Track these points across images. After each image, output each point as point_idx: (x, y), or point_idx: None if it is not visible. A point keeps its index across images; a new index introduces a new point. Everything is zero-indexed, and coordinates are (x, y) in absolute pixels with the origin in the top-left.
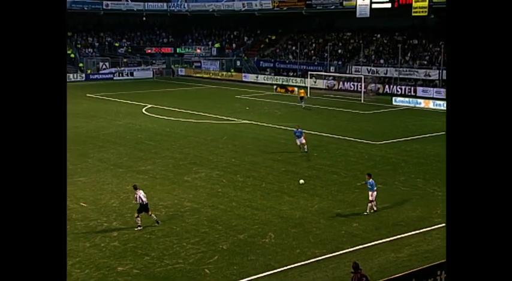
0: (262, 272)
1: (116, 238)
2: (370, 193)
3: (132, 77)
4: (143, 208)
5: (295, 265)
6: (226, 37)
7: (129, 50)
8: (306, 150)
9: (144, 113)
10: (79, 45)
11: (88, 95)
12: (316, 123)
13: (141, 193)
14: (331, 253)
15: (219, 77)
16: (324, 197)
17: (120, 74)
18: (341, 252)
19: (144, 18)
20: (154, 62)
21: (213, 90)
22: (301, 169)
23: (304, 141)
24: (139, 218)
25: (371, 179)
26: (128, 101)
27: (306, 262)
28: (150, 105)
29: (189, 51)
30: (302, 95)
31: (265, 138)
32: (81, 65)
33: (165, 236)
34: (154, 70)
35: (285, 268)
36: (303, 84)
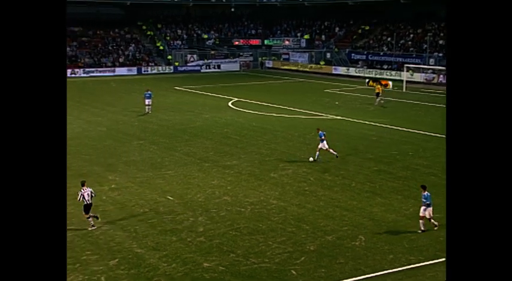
0: (351, 277)
1: (202, 234)
2: (423, 208)
3: (219, 70)
4: (86, 207)
5: (388, 271)
6: (316, 28)
7: (217, 42)
8: (336, 154)
9: (230, 106)
10: (168, 38)
11: (176, 87)
12: (411, 119)
13: (86, 191)
14: (428, 261)
15: (307, 70)
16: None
17: (207, 67)
18: (440, 260)
19: (232, 9)
20: (241, 54)
21: (301, 83)
22: (395, 169)
23: (327, 146)
24: (90, 218)
25: (426, 192)
26: (214, 94)
27: (400, 269)
28: (236, 99)
29: (277, 43)
30: (378, 90)
31: (356, 134)
32: (169, 57)
33: (251, 234)
34: (241, 63)
35: (377, 274)
36: (398, 78)
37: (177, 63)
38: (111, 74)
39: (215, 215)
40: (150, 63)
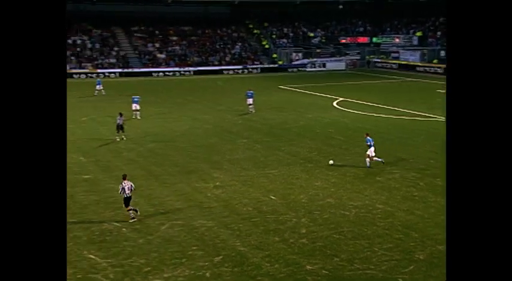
0: None
1: (305, 235)
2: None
3: (324, 69)
4: (126, 200)
5: None
6: (430, 24)
7: (323, 40)
8: (382, 160)
9: (335, 106)
10: (274, 36)
11: (280, 86)
12: None
13: (127, 185)
14: None
15: (419, 69)
16: None
17: (312, 65)
18: None
19: (340, 7)
20: (347, 52)
21: (411, 83)
22: None
23: (374, 153)
24: (131, 211)
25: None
26: (319, 94)
27: None
28: (341, 99)
29: (386, 40)
30: None
31: None
32: (274, 56)
33: (355, 239)
34: (347, 61)
35: None
36: None
37: (281, 62)
38: (217, 72)
39: (318, 217)
40: (255, 62)
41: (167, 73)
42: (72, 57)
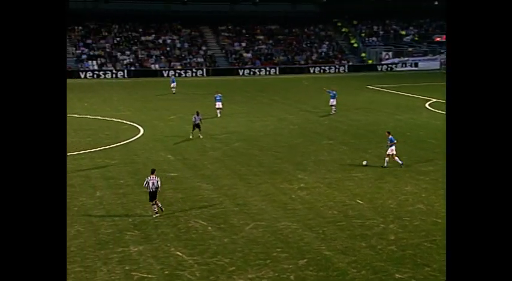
0: None
1: (393, 242)
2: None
3: (416, 68)
4: (151, 195)
5: None
6: None
7: (416, 38)
8: (401, 163)
9: (427, 108)
10: (363, 34)
11: (368, 86)
12: None
13: (152, 180)
14: None
15: None
16: None
17: (403, 65)
18: None
19: (435, 3)
20: (442, 51)
21: None
22: None
23: (394, 152)
24: (155, 206)
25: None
26: (410, 94)
27: None
28: (434, 100)
29: None
30: None
31: None
32: (363, 55)
33: None
34: (441, 60)
35: None
36: None
37: (370, 61)
38: (303, 72)
39: (408, 223)
40: (343, 61)
41: (253, 72)
42: (162, 57)
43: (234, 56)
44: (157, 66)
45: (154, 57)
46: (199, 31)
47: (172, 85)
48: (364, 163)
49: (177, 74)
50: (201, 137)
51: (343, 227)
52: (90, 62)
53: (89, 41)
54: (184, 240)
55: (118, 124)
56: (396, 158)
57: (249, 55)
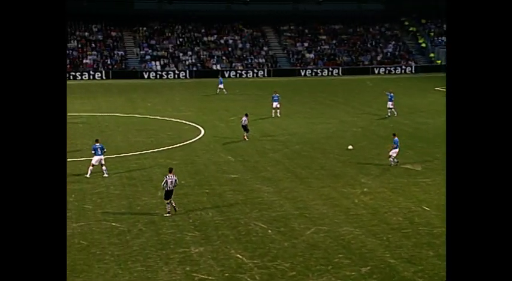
0: None
1: None
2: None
3: None
4: (167, 193)
5: None
6: None
7: None
8: (394, 161)
9: None
10: (432, 34)
11: (436, 88)
12: None
13: (171, 179)
14: None
15: None
16: None
17: None
18: None
19: None
20: None
21: None
22: None
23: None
24: (168, 205)
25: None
26: None
27: None
28: None
29: None
30: None
31: None
32: (432, 55)
33: None
34: None
35: None
36: None
37: (439, 62)
38: (367, 72)
39: None
40: (409, 62)
41: (315, 73)
42: (223, 57)
43: (296, 56)
44: (218, 66)
45: (215, 57)
46: (261, 31)
47: (219, 86)
48: (350, 147)
49: (238, 75)
50: (247, 139)
51: (409, 235)
52: (153, 62)
53: (153, 42)
54: (244, 243)
55: (179, 125)
56: (391, 158)
57: (312, 55)
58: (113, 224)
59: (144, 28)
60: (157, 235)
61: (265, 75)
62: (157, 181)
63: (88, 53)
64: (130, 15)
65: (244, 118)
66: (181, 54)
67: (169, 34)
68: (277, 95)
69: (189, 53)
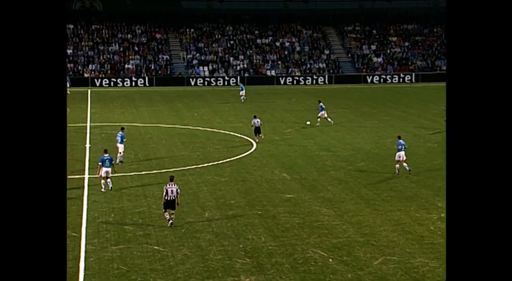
0: None
1: None
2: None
3: None
4: (167, 203)
5: None
6: None
7: None
8: (409, 170)
9: None
10: None
11: None
12: None
13: (171, 188)
14: None
15: None
16: None
17: None
18: None
19: None
20: None
21: None
22: None
23: (404, 158)
24: (166, 214)
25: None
26: None
27: None
28: None
29: None
30: None
31: None
32: None
33: None
34: None
35: None
36: None
37: None
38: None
39: None
40: None
41: (383, 79)
42: (279, 62)
43: (361, 60)
44: (273, 72)
45: (270, 62)
46: (322, 32)
47: (241, 93)
48: (308, 122)
49: (294, 81)
50: (256, 141)
51: None
52: (201, 67)
53: (201, 45)
54: (301, 272)
55: (229, 137)
56: (404, 164)
57: (380, 60)
58: (155, 247)
59: (192, 29)
60: (204, 261)
61: (326, 82)
62: (204, 200)
63: (130, 57)
64: (177, 15)
65: (255, 120)
66: (232, 58)
67: (219, 36)
68: (323, 104)
69: (241, 57)
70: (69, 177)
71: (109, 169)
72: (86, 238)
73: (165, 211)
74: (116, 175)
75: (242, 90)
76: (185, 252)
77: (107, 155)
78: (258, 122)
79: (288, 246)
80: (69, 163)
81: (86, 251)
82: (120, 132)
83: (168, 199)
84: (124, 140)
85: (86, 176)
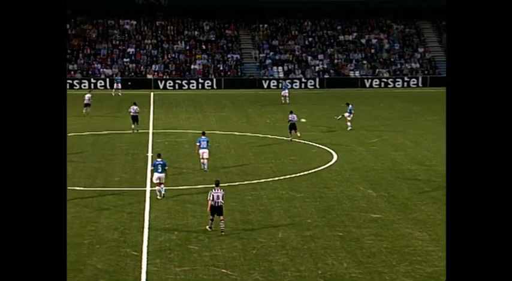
0: None
1: None
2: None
3: None
4: (214, 209)
5: None
6: None
7: None
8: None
9: None
10: None
11: None
12: None
13: (217, 193)
14: None
15: None
16: None
17: None
18: None
19: None
20: None
21: None
22: None
23: None
24: (212, 218)
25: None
26: None
27: None
28: None
29: None
30: None
31: None
32: None
33: None
34: None
35: None
36: None
37: None
38: None
39: None
40: None
41: None
42: (364, 62)
43: None
44: (357, 73)
45: (354, 62)
46: (415, 27)
47: (282, 93)
48: (303, 120)
49: (382, 84)
50: (290, 139)
51: None
52: (275, 68)
53: (275, 43)
54: None
55: (305, 147)
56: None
57: None
58: (223, 270)
59: (265, 25)
60: None
61: (420, 84)
62: (277, 218)
63: (197, 56)
64: (249, 9)
65: (292, 115)
66: (310, 57)
67: (296, 32)
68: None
69: (320, 56)
70: (129, 189)
71: (162, 175)
72: (147, 258)
73: (212, 218)
74: (180, 187)
75: (285, 90)
76: (256, 277)
77: (160, 159)
78: (294, 117)
79: (374, 274)
80: (129, 173)
81: (147, 273)
82: (203, 137)
83: (214, 205)
84: (209, 144)
85: (148, 188)
